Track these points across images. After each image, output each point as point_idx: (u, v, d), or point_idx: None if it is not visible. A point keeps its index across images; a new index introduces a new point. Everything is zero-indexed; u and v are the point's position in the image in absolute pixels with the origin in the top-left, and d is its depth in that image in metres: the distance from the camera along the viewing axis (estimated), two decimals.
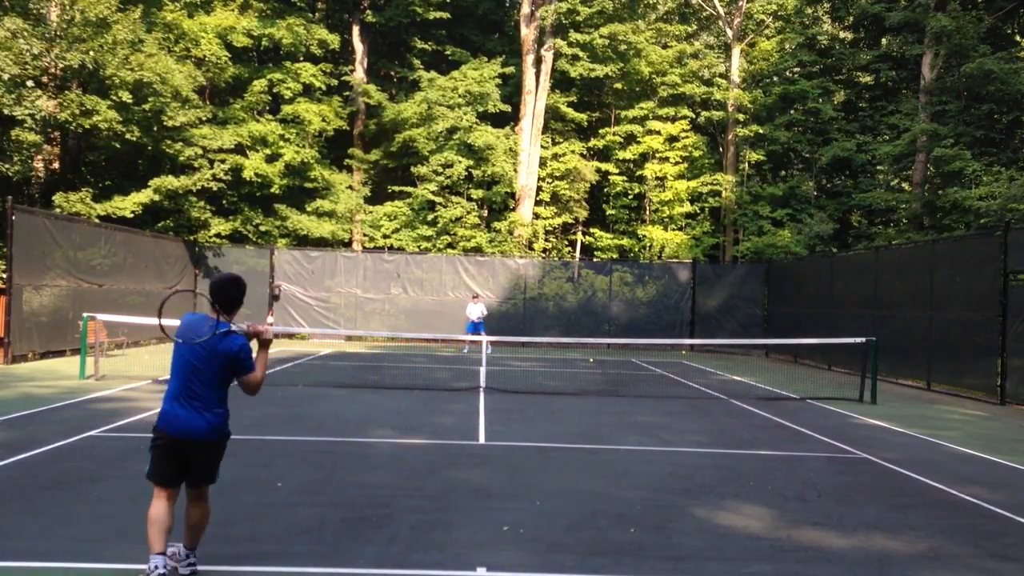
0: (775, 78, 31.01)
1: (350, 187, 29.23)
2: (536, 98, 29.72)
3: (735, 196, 30.08)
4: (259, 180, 25.13)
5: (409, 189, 28.58)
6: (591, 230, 32.13)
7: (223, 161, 23.85)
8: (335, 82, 29.30)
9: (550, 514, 6.10)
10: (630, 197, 31.62)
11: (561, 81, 30.94)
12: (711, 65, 32.93)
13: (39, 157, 21.38)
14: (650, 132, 30.98)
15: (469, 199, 28.83)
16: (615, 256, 30.35)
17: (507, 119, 29.86)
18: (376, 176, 31.02)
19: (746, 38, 31.88)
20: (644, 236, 30.77)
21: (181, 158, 22.49)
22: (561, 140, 31.57)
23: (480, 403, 12.08)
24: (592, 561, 5.10)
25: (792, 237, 27.43)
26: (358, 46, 31.04)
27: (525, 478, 7.31)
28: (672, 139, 30.87)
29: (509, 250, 28.12)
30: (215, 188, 23.50)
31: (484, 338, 16.42)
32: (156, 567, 4.29)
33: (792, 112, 30.79)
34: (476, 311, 22.88)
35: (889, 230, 28.03)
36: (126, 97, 19.91)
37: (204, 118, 23.71)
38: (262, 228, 26.18)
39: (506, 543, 5.39)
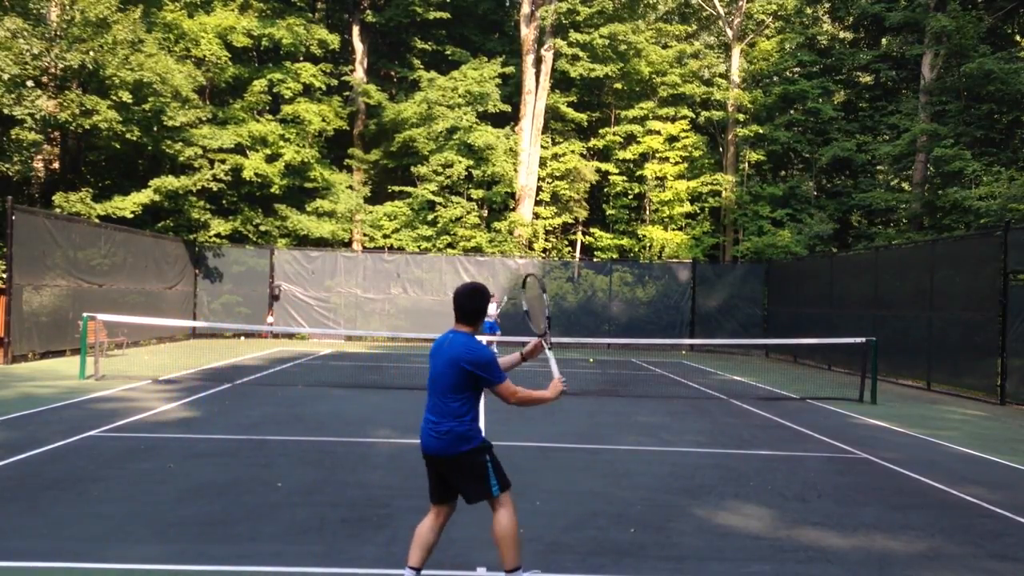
0: (775, 78, 31.02)
1: (350, 187, 29.24)
2: (536, 98, 29.72)
3: (735, 196, 30.08)
4: (259, 180, 25.14)
5: (409, 189, 28.59)
6: (591, 230, 32.13)
7: (223, 161, 23.86)
8: (335, 82, 29.31)
9: (550, 514, 6.10)
10: (630, 197, 31.62)
11: (561, 81, 30.94)
12: (711, 65, 32.94)
13: (39, 157, 21.38)
14: (650, 132, 30.99)
15: (469, 199, 28.83)
16: (615, 256, 30.34)
17: (507, 119, 29.87)
18: (376, 176, 31.03)
19: (746, 38, 31.88)
20: (644, 236, 30.77)
21: (181, 158, 22.50)
22: (561, 140, 31.57)
23: (480, 403, 12.07)
24: (592, 561, 5.10)
25: (792, 237, 27.43)
26: (358, 46, 31.04)
27: (525, 478, 7.31)
28: (672, 139, 30.88)
29: (509, 250, 28.11)
30: (215, 188, 23.51)
31: (484, 338, 16.43)
32: None
33: (792, 112, 30.79)
34: (491, 309, 22.42)
35: (889, 230, 28.03)
36: (126, 97, 19.91)
37: (204, 118, 23.72)
38: (262, 228, 26.18)
39: None
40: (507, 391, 4.39)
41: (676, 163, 30.87)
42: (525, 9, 29.90)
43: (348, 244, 29.15)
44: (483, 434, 4.44)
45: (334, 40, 28.53)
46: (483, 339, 16.50)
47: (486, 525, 5.71)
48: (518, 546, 4.33)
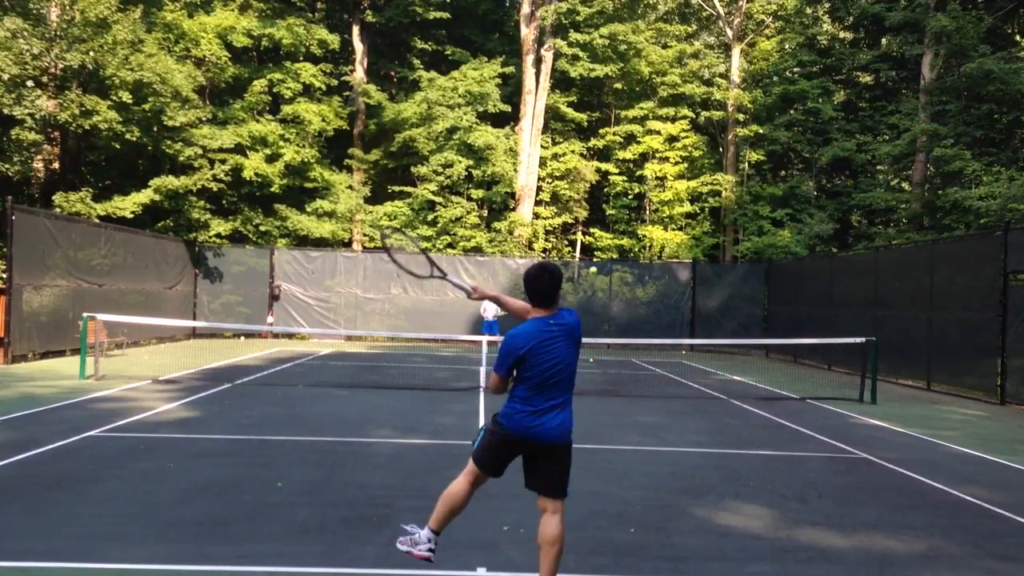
0: (775, 78, 31.01)
1: (350, 187, 29.23)
2: (536, 98, 29.72)
3: (735, 196, 30.08)
4: (259, 180, 25.13)
5: (409, 189, 28.59)
6: (591, 230, 32.13)
7: (223, 161, 23.85)
8: (335, 82, 29.31)
9: None
10: (630, 197, 31.62)
11: (561, 81, 30.94)
12: (711, 65, 32.93)
13: (39, 157, 21.38)
14: (650, 132, 30.99)
15: (469, 199, 28.83)
16: (615, 256, 30.34)
17: (507, 119, 29.87)
18: (376, 176, 31.02)
19: (746, 38, 31.89)
20: (644, 236, 30.77)
21: (181, 158, 22.49)
22: (561, 140, 31.57)
23: (480, 403, 12.08)
24: (592, 561, 5.10)
25: (792, 237, 27.43)
26: (358, 46, 31.04)
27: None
28: (672, 139, 30.88)
29: (509, 250, 28.11)
30: (215, 188, 23.50)
31: (484, 338, 16.42)
32: None
33: (792, 112, 30.79)
34: (492, 309, 21.96)
35: (889, 230, 28.03)
36: (126, 97, 19.91)
37: (204, 118, 23.72)
38: (262, 228, 26.18)
39: (506, 543, 5.39)
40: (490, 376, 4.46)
41: (676, 163, 30.87)
42: (525, 9, 29.90)
43: (348, 244, 29.15)
44: None
45: (334, 40, 28.52)
46: (483, 339, 16.50)
47: (486, 525, 5.73)
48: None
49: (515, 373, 4.27)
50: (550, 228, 30.80)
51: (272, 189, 25.74)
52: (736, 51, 31.30)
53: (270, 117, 27.22)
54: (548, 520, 4.26)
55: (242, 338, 25.56)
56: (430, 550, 4.29)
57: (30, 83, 18.39)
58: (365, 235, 29.08)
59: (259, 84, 26.11)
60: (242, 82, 26.49)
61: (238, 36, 25.54)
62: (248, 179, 24.74)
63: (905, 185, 29.42)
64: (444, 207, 27.93)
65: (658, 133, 30.82)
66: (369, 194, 30.17)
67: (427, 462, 7.79)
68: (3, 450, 7.65)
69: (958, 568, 5.21)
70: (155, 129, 21.71)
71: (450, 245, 27.99)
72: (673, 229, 30.73)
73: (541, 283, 4.25)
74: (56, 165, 22.40)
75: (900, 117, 26.55)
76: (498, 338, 16.65)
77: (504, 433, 4.27)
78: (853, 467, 8.34)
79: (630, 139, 31.42)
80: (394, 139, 29.26)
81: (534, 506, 6.31)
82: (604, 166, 31.09)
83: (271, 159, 25.90)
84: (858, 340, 14.47)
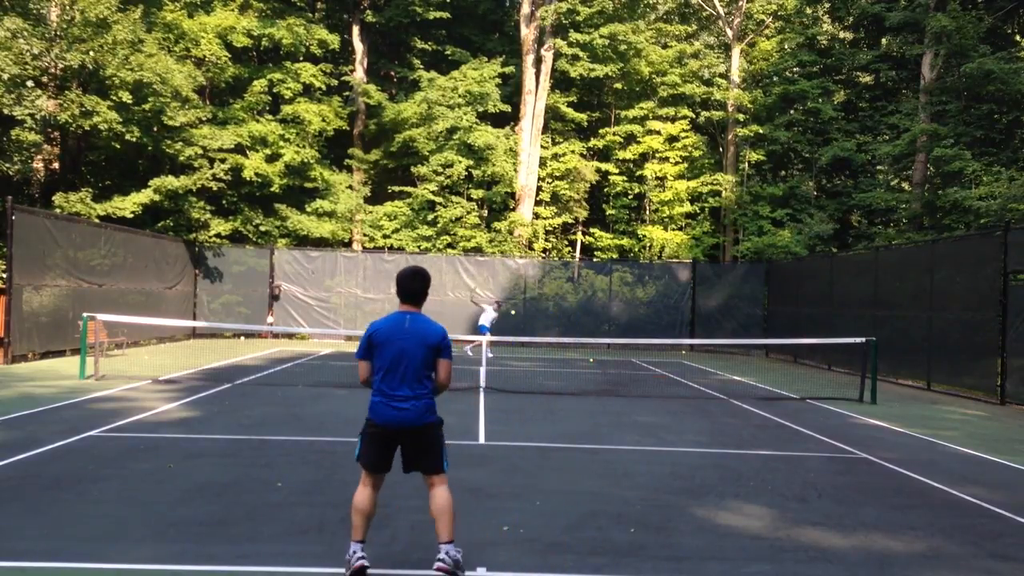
0: (775, 78, 31.01)
1: (350, 187, 29.23)
2: (536, 98, 29.72)
3: (735, 196, 30.08)
4: (259, 180, 25.12)
5: (409, 189, 28.59)
6: (591, 230, 32.13)
7: (223, 161, 23.85)
8: (335, 82, 29.30)
9: (550, 514, 6.10)
10: (630, 197, 31.62)
11: (561, 81, 30.94)
12: (711, 65, 32.93)
13: (39, 157, 21.38)
14: (650, 132, 30.99)
15: (469, 199, 28.83)
16: (615, 256, 30.35)
17: (507, 119, 29.87)
18: (376, 176, 31.02)
19: (746, 38, 31.89)
20: (644, 236, 30.77)
21: (181, 158, 22.50)
22: (561, 140, 31.57)
23: (480, 403, 12.08)
24: (592, 561, 5.10)
25: (792, 237, 27.43)
26: (358, 46, 31.04)
27: (525, 478, 7.31)
28: (672, 139, 30.88)
29: (509, 250, 28.12)
30: (215, 188, 23.50)
31: (484, 338, 16.42)
32: None
33: (792, 112, 30.79)
34: (489, 316, 21.08)
35: (889, 230, 28.02)
36: (126, 97, 19.91)
37: (204, 118, 23.72)
38: (262, 228, 26.18)
39: (506, 543, 5.39)
40: (449, 369, 4.79)
41: (676, 163, 30.87)
42: (525, 9, 29.90)
43: (348, 244, 29.15)
44: None
45: (334, 40, 28.52)
46: (481, 339, 16.48)
47: (486, 526, 5.73)
48: (455, 521, 4.69)
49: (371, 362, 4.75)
50: (550, 228, 30.80)
51: (272, 189, 25.74)
52: (736, 51, 31.30)
53: (270, 117, 27.22)
54: (435, 493, 4.69)
55: (242, 338, 25.56)
56: (361, 558, 4.57)
57: (30, 83, 18.39)
58: (365, 235, 29.08)
59: (259, 84, 26.11)
60: (242, 82, 26.49)
61: (238, 36, 25.54)
62: (248, 179, 24.74)
63: (905, 185, 29.42)
64: (444, 207, 27.93)
65: (658, 133, 30.82)
66: (369, 194, 30.17)
67: None
68: (3, 450, 7.66)
69: (958, 568, 5.21)
70: (155, 129, 21.71)
71: (450, 245, 27.99)
72: (673, 229, 30.73)
73: (413, 284, 4.79)
74: (56, 165, 22.40)
75: (900, 117, 26.55)
76: (482, 338, 16.64)
77: (373, 426, 4.69)
78: (853, 467, 8.34)
79: (630, 139, 31.42)
80: (394, 139, 29.26)
81: (534, 507, 6.33)
82: (604, 166, 31.09)
83: (271, 159, 25.90)
84: (858, 340, 14.48)
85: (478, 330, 20.79)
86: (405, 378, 4.64)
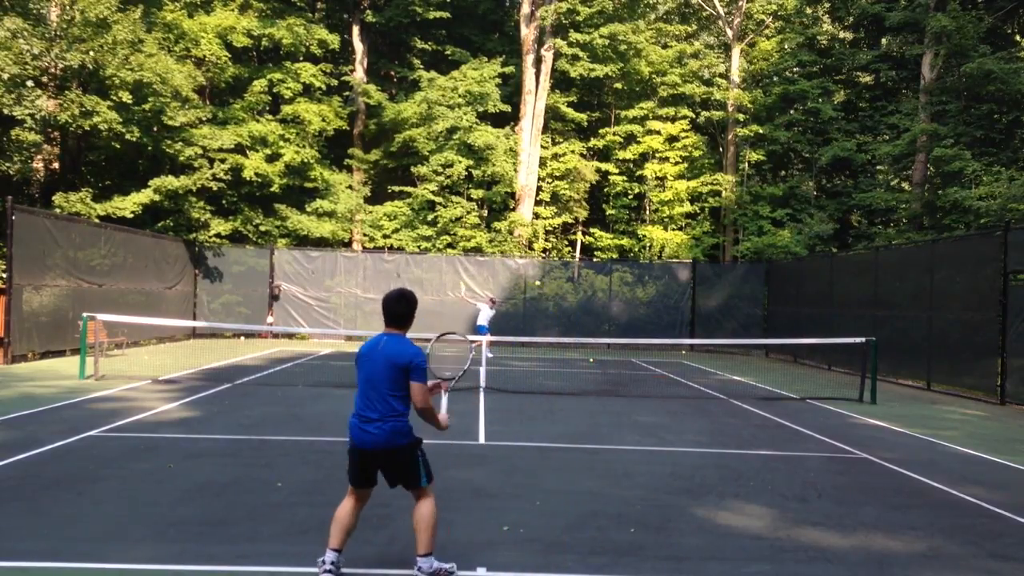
0: (775, 78, 31.02)
1: (350, 187, 29.23)
2: (536, 98, 29.72)
3: (735, 196, 30.08)
4: (259, 180, 25.13)
5: (409, 189, 28.59)
6: (591, 230, 32.13)
7: (223, 161, 23.85)
8: (335, 82, 29.30)
9: (550, 514, 6.10)
10: (630, 197, 31.62)
11: (561, 81, 30.93)
12: (711, 65, 32.93)
13: (39, 157, 21.38)
14: (650, 132, 30.99)
15: (469, 199, 28.83)
16: (615, 256, 30.34)
17: (507, 119, 29.86)
18: (376, 176, 31.03)
19: (746, 38, 31.88)
20: (644, 236, 30.77)
21: (181, 158, 22.50)
22: (561, 140, 31.57)
23: (480, 403, 12.08)
24: (592, 561, 5.10)
25: (792, 237, 27.43)
26: (358, 46, 31.04)
27: (525, 478, 7.31)
28: (672, 139, 30.88)
29: (509, 250, 28.12)
30: (215, 188, 23.50)
31: (484, 338, 16.42)
32: None
33: (792, 112, 30.78)
34: (485, 316, 20.85)
35: (889, 230, 28.02)
36: (126, 97, 19.90)
37: (204, 118, 23.72)
38: (262, 228, 26.18)
39: (506, 543, 5.39)
40: (422, 392, 4.64)
41: (676, 163, 30.87)
42: (525, 9, 29.90)
43: (348, 244, 29.15)
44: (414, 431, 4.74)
45: (334, 40, 28.52)
46: (482, 339, 16.48)
47: (486, 526, 5.73)
48: (435, 535, 4.69)
49: (408, 387, 4.65)
50: (550, 228, 30.81)
51: (272, 189, 25.74)
52: (736, 51, 31.30)
53: (270, 117, 27.23)
54: (417, 506, 4.73)
55: (242, 338, 25.56)
56: (333, 563, 4.59)
57: (30, 83, 18.39)
58: (365, 235, 29.08)
59: (259, 84, 26.12)
60: (242, 82, 26.50)
61: (238, 36, 25.54)
62: (248, 179, 24.74)
63: (905, 185, 29.41)
64: (444, 207, 27.93)
65: (658, 133, 30.82)
66: (369, 194, 30.17)
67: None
68: (3, 450, 7.66)
69: (958, 568, 5.21)
70: (155, 129, 21.71)
71: (450, 245, 27.99)
72: (673, 229, 30.73)
73: (397, 307, 4.74)
74: (56, 165, 22.40)
75: (900, 117, 26.55)
76: (481, 337, 16.62)
77: (351, 445, 4.68)
78: (853, 467, 8.34)
79: (630, 139, 31.42)
80: (394, 139, 29.26)
81: (534, 507, 6.33)
82: (604, 166, 31.09)
83: (271, 159, 25.90)
84: (858, 340, 14.48)
85: (476, 330, 20.76)
86: (372, 400, 4.59)
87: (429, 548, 4.63)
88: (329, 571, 4.55)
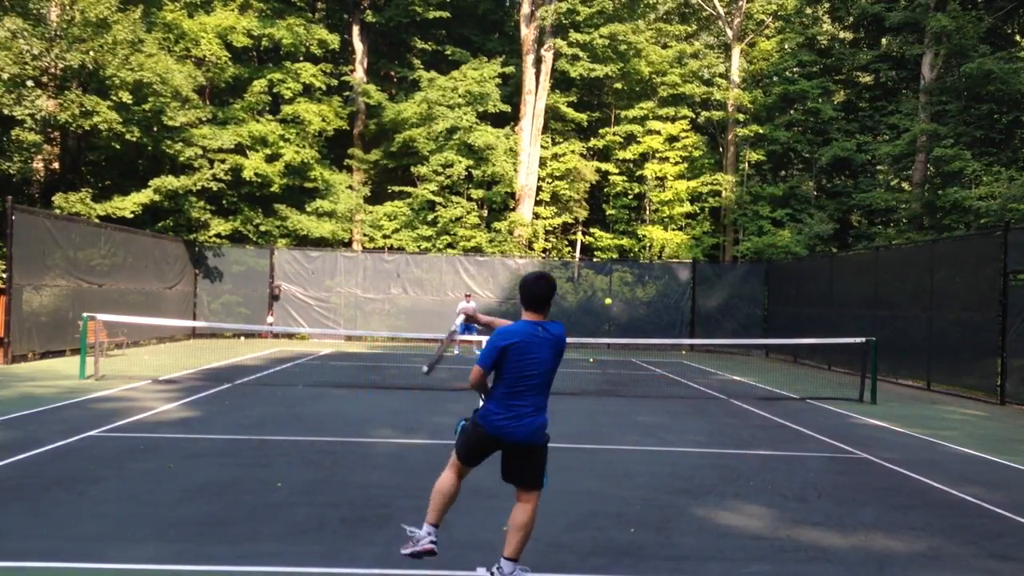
0: (775, 78, 31.01)
1: (350, 187, 29.24)
2: (536, 98, 29.72)
3: (735, 196, 30.08)
4: (259, 180, 25.14)
5: (409, 189, 28.59)
6: (591, 230, 32.13)
7: (223, 161, 23.86)
8: (335, 82, 29.30)
9: (550, 514, 6.09)
10: (630, 197, 31.62)
11: (561, 81, 30.93)
12: (711, 65, 32.93)
13: (39, 157, 21.37)
14: (650, 132, 30.98)
15: (469, 199, 28.83)
16: (615, 256, 30.34)
17: (507, 119, 29.86)
18: (376, 176, 31.03)
19: (746, 38, 31.89)
20: (644, 236, 30.76)
21: (181, 158, 22.50)
22: (561, 140, 31.56)
23: (480, 403, 12.06)
24: (592, 561, 5.10)
25: (792, 237, 27.43)
26: (358, 46, 31.04)
27: None
28: (672, 139, 30.88)
29: (509, 250, 28.11)
30: (215, 188, 23.50)
31: (485, 338, 16.40)
32: None
33: (792, 112, 30.79)
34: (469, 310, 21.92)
35: (889, 230, 28.03)
36: (126, 97, 19.90)
37: (204, 118, 23.72)
38: (262, 228, 26.19)
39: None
40: (473, 372, 4.66)
41: (676, 163, 30.87)
42: (525, 9, 29.90)
43: (348, 244, 29.15)
44: None
45: (334, 40, 28.52)
46: (479, 338, 16.44)
47: (485, 525, 5.73)
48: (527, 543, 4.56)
49: (495, 372, 4.51)
50: (550, 228, 30.80)
51: (272, 189, 25.75)
52: (736, 51, 31.30)
53: (270, 117, 27.23)
54: (521, 507, 4.53)
55: (242, 338, 25.56)
56: (432, 542, 4.49)
57: (30, 83, 18.39)
58: (365, 235, 29.09)
59: (259, 84, 26.12)
60: (242, 82, 26.50)
61: (238, 36, 25.55)
62: (248, 179, 24.76)
63: (905, 185, 29.41)
64: (444, 207, 27.93)
65: (658, 133, 30.81)
66: (369, 194, 30.17)
67: (427, 462, 7.78)
68: (3, 450, 7.65)
69: (958, 568, 5.21)
70: (155, 129, 21.71)
71: (450, 245, 27.99)
72: (673, 229, 30.73)
73: (538, 288, 4.50)
74: (56, 165, 22.40)
75: (900, 117, 26.54)
76: (477, 337, 16.63)
77: (480, 432, 4.51)
78: (853, 467, 8.34)
79: (630, 139, 31.42)
80: (394, 139, 29.26)
81: None
82: (604, 166, 31.09)
83: (271, 159, 25.91)
84: (858, 340, 14.48)
85: (460, 329, 20.87)
86: (526, 393, 4.49)
87: (518, 553, 4.46)
88: (434, 541, 4.48)
